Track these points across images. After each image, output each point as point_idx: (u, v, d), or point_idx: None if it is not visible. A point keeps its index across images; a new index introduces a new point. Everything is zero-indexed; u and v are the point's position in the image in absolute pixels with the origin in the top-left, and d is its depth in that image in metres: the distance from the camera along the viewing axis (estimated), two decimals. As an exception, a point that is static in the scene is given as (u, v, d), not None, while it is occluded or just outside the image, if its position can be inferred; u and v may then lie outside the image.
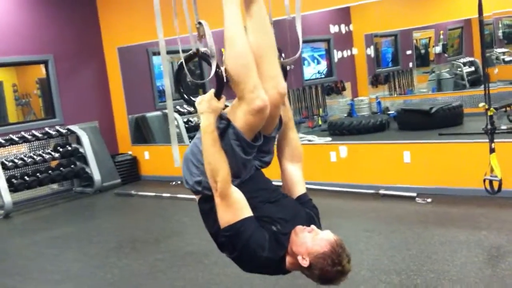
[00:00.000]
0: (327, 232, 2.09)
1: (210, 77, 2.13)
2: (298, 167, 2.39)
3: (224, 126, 2.11)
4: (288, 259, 2.09)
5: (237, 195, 2.07)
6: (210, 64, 2.14)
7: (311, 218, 2.25)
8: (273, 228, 2.08)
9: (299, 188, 2.36)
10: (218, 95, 2.10)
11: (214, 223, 2.13)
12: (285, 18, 2.54)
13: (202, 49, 2.15)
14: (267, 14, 2.23)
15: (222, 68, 2.11)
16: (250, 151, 2.15)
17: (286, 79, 2.40)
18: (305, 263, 2.03)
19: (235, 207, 2.05)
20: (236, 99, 2.12)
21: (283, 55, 2.44)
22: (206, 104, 2.09)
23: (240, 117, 2.07)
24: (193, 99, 2.24)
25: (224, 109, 2.14)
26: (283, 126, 2.35)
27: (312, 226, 2.12)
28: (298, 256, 2.04)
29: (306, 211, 2.26)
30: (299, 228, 2.10)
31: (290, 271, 2.16)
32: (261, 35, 2.16)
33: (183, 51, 2.24)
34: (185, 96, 2.37)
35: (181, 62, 2.28)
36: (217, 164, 2.04)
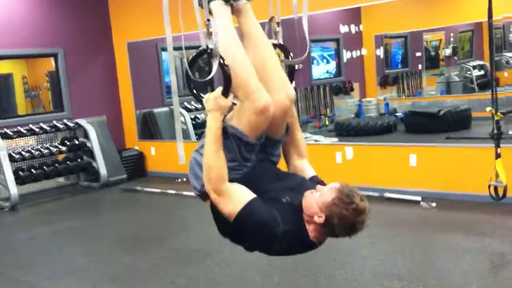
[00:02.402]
0: (331, 183, 2.08)
1: (211, 75, 2.12)
2: (305, 160, 2.42)
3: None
4: (309, 228, 2.05)
5: (234, 186, 2.06)
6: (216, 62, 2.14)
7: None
8: (283, 200, 2.06)
9: (308, 173, 2.36)
10: (225, 93, 2.10)
11: (227, 224, 2.12)
12: (293, 17, 2.55)
13: (210, 46, 2.15)
14: (257, 24, 2.26)
15: (215, 66, 2.11)
16: (250, 149, 2.14)
17: (293, 79, 2.41)
18: (321, 219, 2.00)
19: (235, 197, 2.04)
20: (238, 103, 2.13)
21: (291, 54, 2.44)
22: (213, 102, 2.09)
23: (243, 118, 2.07)
24: (202, 95, 2.24)
25: (231, 107, 2.15)
26: (289, 127, 2.36)
27: (318, 186, 2.10)
28: (314, 218, 2.02)
29: (312, 183, 2.24)
30: (307, 193, 2.08)
31: (318, 242, 2.10)
32: (260, 50, 2.20)
33: (195, 48, 2.24)
34: (194, 92, 2.38)
35: (190, 59, 2.28)
36: (214, 162, 2.04)
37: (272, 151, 2.27)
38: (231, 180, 2.07)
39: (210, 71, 2.11)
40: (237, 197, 2.04)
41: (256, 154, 2.17)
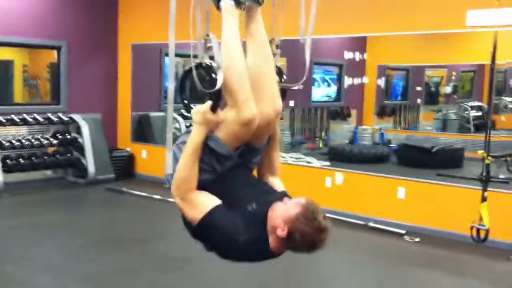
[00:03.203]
0: (298, 198, 2.10)
1: (218, 86, 2.11)
2: (276, 178, 2.43)
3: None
4: (271, 239, 2.06)
5: (200, 194, 2.10)
6: (210, 76, 2.15)
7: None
8: (248, 208, 2.08)
9: (278, 189, 2.37)
10: (213, 109, 2.11)
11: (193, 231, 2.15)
12: (298, 39, 2.55)
13: (206, 61, 2.16)
14: (265, 35, 2.27)
15: (219, 81, 2.11)
16: (227, 159, 2.15)
17: (284, 99, 2.42)
18: (283, 233, 2.00)
19: (199, 204, 2.07)
20: (225, 108, 2.14)
21: (284, 77, 2.46)
22: (200, 115, 2.10)
23: (227, 126, 2.09)
24: (192, 106, 2.25)
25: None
26: (268, 145, 2.38)
27: (285, 199, 2.11)
28: (277, 230, 2.02)
29: (283, 193, 2.26)
30: (275, 204, 2.09)
31: (278, 253, 2.11)
32: (260, 55, 2.22)
33: (189, 57, 2.25)
34: (185, 102, 2.39)
35: (187, 69, 2.28)
36: (187, 174, 2.08)
37: (250, 158, 2.29)
38: (204, 180, 2.10)
39: (208, 83, 2.11)
40: (201, 205, 2.08)
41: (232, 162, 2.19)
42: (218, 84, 2.09)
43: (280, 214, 2.04)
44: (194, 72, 2.13)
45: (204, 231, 2.08)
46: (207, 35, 2.16)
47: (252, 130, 2.11)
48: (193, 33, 2.15)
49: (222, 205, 2.07)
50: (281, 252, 2.11)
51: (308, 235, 2.00)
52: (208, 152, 2.10)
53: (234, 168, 2.19)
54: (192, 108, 2.21)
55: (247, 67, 2.14)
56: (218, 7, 2.20)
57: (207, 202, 2.07)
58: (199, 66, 2.18)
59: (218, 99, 2.10)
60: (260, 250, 2.09)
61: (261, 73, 2.20)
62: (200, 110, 2.11)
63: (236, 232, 2.01)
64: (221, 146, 2.10)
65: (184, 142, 2.15)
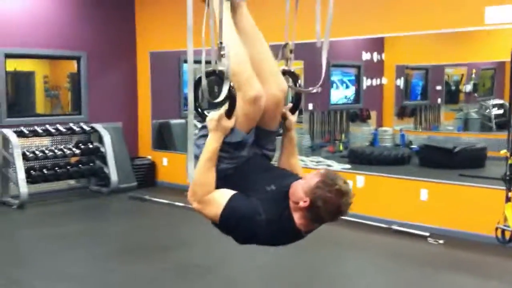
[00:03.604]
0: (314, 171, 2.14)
1: (222, 97, 2.12)
2: (295, 159, 2.46)
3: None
4: (295, 216, 2.08)
5: (215, 193, 2.12)
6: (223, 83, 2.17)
7: None
8: (267, 189, 2.11)
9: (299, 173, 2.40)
10: (229, 115, 2.12)
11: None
12: (315, 42, 2.54)
13: (219, 68, 2.18)
14: (251, 19, 2.33)
15: (224, 90, 2.13)
16: (241, 147, 2.19)
17: (299, 106, 2.45)
18: (306, 203, 2.03)
19: (217, 200, 2.10)
20: None
21: (299, 82, 2.46)
22: (215, 122, 2.13)
23: (237, 109, 2.13)
24: (206, 114, 2.27)
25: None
26: (285, 152, 2.42)
27: (304, 175, 2.16)
28: (299, 203, 2.05)
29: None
30: (294, 183, 2.13)
31: (305, 231, 2.12)
32: (254, 44, 2.26)
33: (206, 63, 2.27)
34: (199, 110, 2.40)
35: (198, 78, 2.29)
36: (204, 180, 2.11)
37: (265, 143, 2.31)
38: (222, 170, 2.14)
39: (217, 90, 2.13)
40: (217, 200, 2.10)
41: (249, 149, 2.22)
42: (223, 94, 2.10)
43: (301, 188, 2.08)
44: (204, 81, 2.13)
45: (228, 222, 2.10)
46: (221, 43, 2.16)
47: (261, 107, 2.15)
48: (206, 41, 2.16)
49: (238, 193, 2.10)
50: (307, 230, 2.13)
51: (330, 200, 2.02)
52: (223, 144, 2.14)
53: (251, 157, 2.22)
54: (206, 115, 2.23)
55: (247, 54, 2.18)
56: (207, 4, 2.18)
57: (223, 195, 2.10)
58: (212, 73, 2.19)
59: (233, 105, 2.11)
60: (285, 228, 2.10)
61: (260, 59, 2.24)
62: (215, 117, 2.13)
63: (257, 213, 2.04)
64: (234, 134, 2.14)
65: (200, 136, 2.21)
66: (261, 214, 2.04)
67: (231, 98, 2.11)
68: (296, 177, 2.22)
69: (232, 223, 2.09)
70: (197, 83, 2.29)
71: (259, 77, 2.16)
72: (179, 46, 7.80)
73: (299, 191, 2.07)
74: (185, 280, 4.59)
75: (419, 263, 5.09)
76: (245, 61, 2.15)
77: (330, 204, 2.02)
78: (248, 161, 2.21)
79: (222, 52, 2.13)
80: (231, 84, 2.10)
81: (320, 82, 2.40)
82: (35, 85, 9.23)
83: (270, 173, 2.23)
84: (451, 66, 11.48)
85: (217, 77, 2.20)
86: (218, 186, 2.14)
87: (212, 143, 2.12)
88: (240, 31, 2.27)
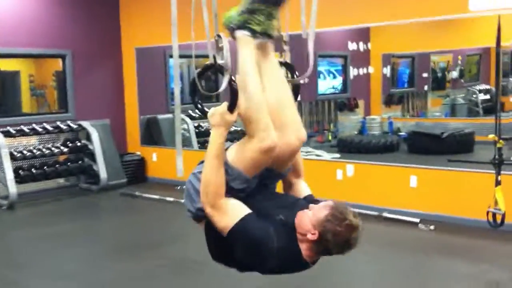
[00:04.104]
0: (324, 201, 2.08)
1: (222, 89, 2.12)
2: (301, 179, 2.41)
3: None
4: (302, 247, 2.04)
5: (230, 201, 2.06)
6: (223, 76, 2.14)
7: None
8: (276, 218, 2.05)
9: (304, 192, 2.36)
10: (231, 109, 2.08)
11: (221, 247, 2.13)
12: (301, 33, 2.54)
13: (219, 61, 2.15)
14: (277, 63, 2.26)
15: (225, 82, 2.11)
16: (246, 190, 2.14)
17: (298, 97, 2.42)
18: (314, 236, 1.99)
19: (230, 211, 2.04)
20: (242, 139, 2.12)
21: (297, 73, 2.45)
22: (218, 117, 2.08)
23: (246, 152, 2.06)
24: (206, 110, 2.22)
25: (235, 121, 2.13)
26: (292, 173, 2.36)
27: (311, 205, 2.09)
28: (307, 235, 2.00)
29: (306, 202, 2.23)
30: (300, 213, 2.08)
31: (312, 262, 2.09)
32: (278, 90, 2.19)
33: (200, 56, 2.25)
34: (199, 106, 2.37)
35: (197, 72, 2.27)
36: (213, 178, 2.04)
37: (269, 183, 2.25)
38: (236, 190, 2.08)
39: (216, 83, 2.12)
40: (232, 212, 2.03)
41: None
42: (223, 85, 2.09)
43: (309, 220, 2.02)
44: (197, 80, 2.11)
45: (236, 240, 2.03)
46: (218, 35, 2.13)
47: (272, 158, 2.08)
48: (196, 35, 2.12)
49: (253, 213, 2.04)
50: (314, 260, 2.10)
51: (340, 233, 1.98)
52: (228, 189, 2.08)
53: (257, 187, 2.16)
54: (207, 111, 2.18)
55: (267, 103, 2.10)
56: (233, 37, 2.17)
57: (239, 209, 2.04)
58: (211, 66, 2.18)
59: (235, 98, 2.08)
60: (294, 259, 2.06)
61: (281, 106, 2.17)
62: (217, 111, 2.09)
63: (271, 240, 1.98)
64: (238, 179, 2.07)
65: (201, 172, 2.11)
66: (274, 242, 1.98)
67: (232, 92, 2.08)
68: (302, 205, 2.15)
69: (242, 242, 2.02)
70: (199, 77, 2.26)
71: (278, 124, 2.09)
72: (165, 41, 7.79)
73: (307, 223, 2.02)
74: (180, 276, 4.58)
75: (411, 250, 5.13)
76: (264, 109, 2.06)
77: (339, 238, 1.99)
78: (253, 190, 2.14)
79: (220, 45, 2.10)
80: (232, 77, 2.07)
81: (308, 72, 2.38)
82: (20, 84, 9.14)
83: (276, 201, 2.18)
84: (437, 53, 11.54)
85: (216, 70, 2.18)
86: None
87: (217, 139, 2.06)
88: (264, 74, 2.19)
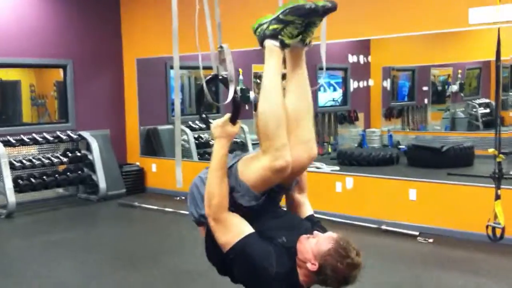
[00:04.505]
0: (329, 232, 2.07)
1: (227, 101, 2.12)
2: (304, 195, 2.40)
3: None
4: (300, 273, 2.03)
5: (233, 217, 2.05)
6: (228, 88, 2.14)
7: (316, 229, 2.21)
8: (279, 241, 2.04)
9: (306, 210, 2.35)
10: (233, 121, 2.09)
11: (219, 255, 2.11)
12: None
13: (223, 73, 2.15)
14: (306, 74, 2.20)
15: (239, 93, 2.11)
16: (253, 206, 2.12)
17: None
18: (314, 267, 1.97)
19: (233, 227, 2.02)
20: (256, 152, 2.10)
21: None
22: (220, 128, 2.09)
23: (257, 169, 2.03)
24: (210, 121, 2.23)
25: (237, 133, 2.14)
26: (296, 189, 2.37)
27: (315, 232, 2.07)
28: (307, 264, 1.99)
29: (310, 224, 2.23)
30: (303, 237, 2.06)
31: (307, 286, 2.07)
32: (300, 99, 2.15)
33: (203, 68, 2.24)
34: (203, 116, 2.37)
35: (206, 80, 2.27)
36: (217, 190, 2.03)
37: (277, 195, 2.25)
38: (245, 207, 2.06)
39: (216, 94, 2.12)
40: (235, 228, 2.02)
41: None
42: (230, 97, 2.09)
43: (310, 249, 2.01)
44: (205, 87, 2.10)
45: (237, 257, 2.01)
46: (221, 47, 2.14)
47: (284, 177, 2.05)
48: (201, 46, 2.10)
49: (256, 233, 2.03)
50: (309, 285, 2.08)
51: (339, 271, 1.97)
52: (234, 204, 2.07)
53: (261, 204, 2.13)
54: (211, 122, 2.19)
55: (286, 109, 2.07)
56: (262, 46, 2.11)
57: (242, 226, 2.03)
58: (215, 78, 2.18)
59: (237, 110, 2.09)
60: (290, 283, 2.04)
61: (300, 117, 2.13)
62: (219, 123, 2.10)
63: (270, 264, 1.96)
64: (247, 196, 2.05)
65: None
66: (273, 266, 1.96)
67: (235, 104, 2.09)
68: (307, 228, 2.15)
69: (241, 260, 2.01)
70: (202, 89, 2.24)
71: (291, 136, 2.06)
72: (165, 52, 7.83)
73: (308, 251, 2.00)
74: (177, 286, 4.56)
75: (409, 262, 5.11)
76: (283, 125, 2.01)
77: (338, 275, 1.98)
78: (256, 207, 2.12)
79: (222, 57, 2.11)
80: (236, 88, 2.07)
81: (321, 83, 2.38)
82: (21, 94, 9.16)
83: (279, 221, 2.16)
84: (437, 67, 11.55)
85: (220, 81, 2.16)
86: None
87: (219, 150, 2.06)
88: (290, 81, 2.16)
